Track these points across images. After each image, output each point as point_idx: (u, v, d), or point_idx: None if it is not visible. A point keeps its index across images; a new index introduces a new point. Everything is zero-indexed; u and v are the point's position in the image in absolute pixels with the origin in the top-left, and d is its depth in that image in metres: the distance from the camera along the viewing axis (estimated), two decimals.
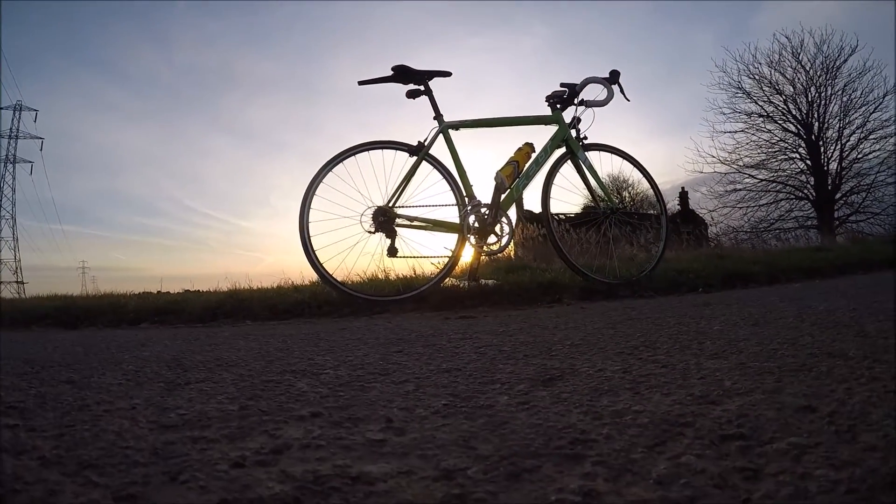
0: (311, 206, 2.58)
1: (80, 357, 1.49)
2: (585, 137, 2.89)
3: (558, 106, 2.88)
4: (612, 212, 2.91)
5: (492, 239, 2.60)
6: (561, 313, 1.94)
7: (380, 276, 3.20)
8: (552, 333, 1.43)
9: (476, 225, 2.60)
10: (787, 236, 14.45)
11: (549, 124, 2.88)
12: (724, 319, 1.54)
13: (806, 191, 16.35)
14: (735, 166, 16.73)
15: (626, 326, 1.49)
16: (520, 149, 2.78)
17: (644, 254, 5.99)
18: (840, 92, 16.08)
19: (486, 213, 2.62)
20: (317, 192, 2.59)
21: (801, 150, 16.58)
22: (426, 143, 2.68)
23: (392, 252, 2.58)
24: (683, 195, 27.13)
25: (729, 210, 16.82)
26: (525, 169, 2.73)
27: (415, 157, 2.66)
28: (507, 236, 2.60)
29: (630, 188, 29.23)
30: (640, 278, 2.78)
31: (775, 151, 16.64)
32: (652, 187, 3.12)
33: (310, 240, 2.58)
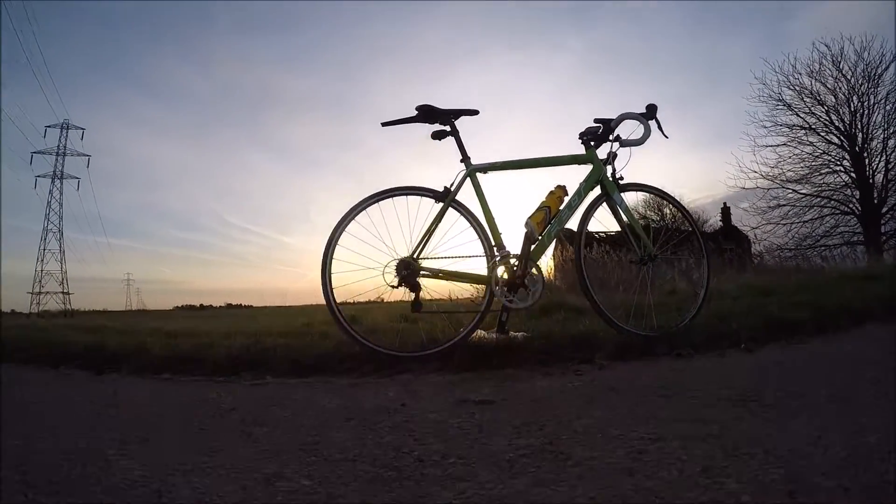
0: (334, 257, 2.44)
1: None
2: (622, 178, 2.62)
3: (592, 143, 2.62)
4: (650, 258, 2.62)
5: (521, 293, 2.38)
6: (585, 394, 1.67)
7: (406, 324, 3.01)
8: (569, 447, 1.20)
9: (504, 277, 2.38)
10: (833, 254, 13.58)
11: (583, 164, 2.62)
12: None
13: (851, 205, 15.35)
14: (777, 181, 15.90)
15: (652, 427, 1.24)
16: (551, 192, 2.54)
17: (685, 284, 5.62)
18: (883, 101, 15.14)
19: (516, 264, 2.39)
20: (339, 242, 2.45)
21: (845, 162, 15.62)
22: (452, 189, 2.48)
23: (416, 307, 2.39)
24: (725, 211, 26.01)
25: (772, 227, 15.95)
26: (558, 214, 2.49)
27: (440, 204, 2.47)
28: (538, 290, 2.36)
29: (670, 206, 28.37)
30: (680, 329, 2.49)
31: (819, 165, 15.72)
32: (693, 230, 2.81)
33: (332, 292, 2.42)
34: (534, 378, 1.99)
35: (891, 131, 15.03)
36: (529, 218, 2.44)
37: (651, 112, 2.62)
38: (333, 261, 2.42)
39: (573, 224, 2.56)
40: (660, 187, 2.76)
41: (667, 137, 2.66)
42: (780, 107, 16.13)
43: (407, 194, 2.48)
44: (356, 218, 2.44)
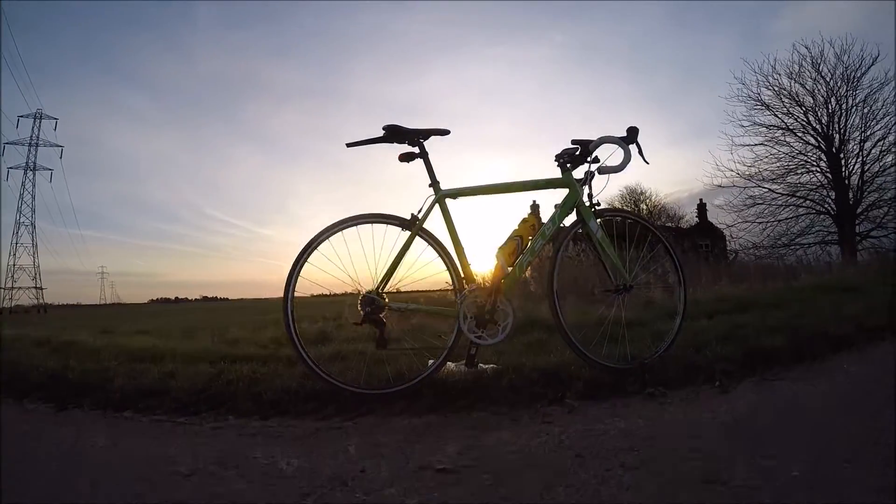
0: (296, 288, 2.31)
1: None
2: (598, 203, 2.48)
3: (568, 166, 2.48)
4: (626, 289, 2.49)
5: (490, 328, 2.26)
6: (551, 463, 1.54)
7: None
8: None
9: (473, 312, 2.27)
10: (807, 253, 13.74)
11: (559, 188, 2.47)
12: None
13: (827, 205, 15.53)
14: (754, 180, 16.01)
15: None
16: (524, 220, 2.40)
17: (661, 292, 5.54)
18: (861, 103, 15.25)
19: (484, 299, 2.27)
20: (301, 274, 2.31)
21: (821, 163, 15.77)
22: (420, 216, 2.35)
23: (381, 344, 2.26)
24: (701, 207, 26.21)
25: (748, 225, 16.08)
26: (530, 244, 2.36)
27: (408, 233, 2.34)
28: (508, 325, 2.25)
29: (648, 200, 28.38)
30: (654, 361, 2.38)
31: (795, 165, 15.86)
32: (671, 258, 2.64)
33: (294, 325, 2.29)
34: (501, 427, 1.87)
35: (867, 134, 15.22)
36: (500, 249, 2.32)
37: (632, 136, 2.46)
38: (296, 292, 2.30)
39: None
40: (633, 213, 2.66)
41: (647, 163, 2.55)
42: (759, 107, 16.23)
43: (372, 222, 2.35)
44: (319, 248, 2.32)
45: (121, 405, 2.53)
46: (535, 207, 2.42)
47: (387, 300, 2.29)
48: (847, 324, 3.08)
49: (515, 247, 2.31)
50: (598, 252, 2.46)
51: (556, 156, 2.50)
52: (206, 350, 3.48)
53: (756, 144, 16.22)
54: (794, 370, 2.37)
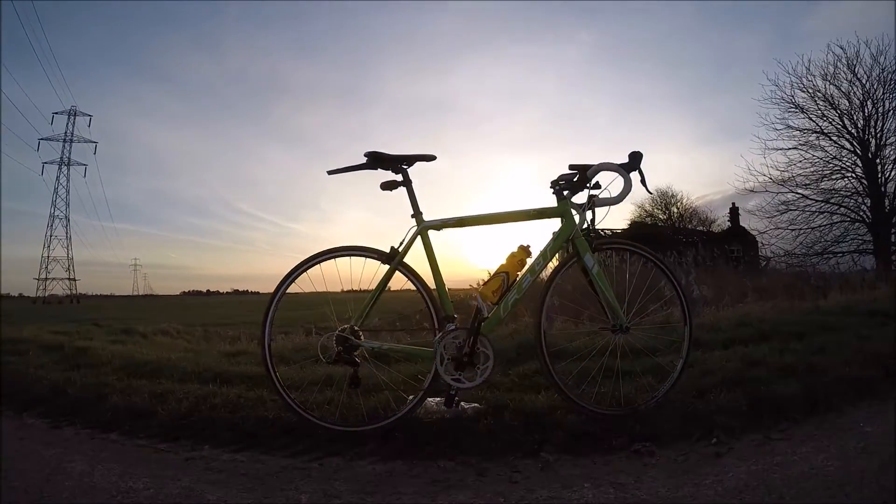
0: (273, 321, 2.22)
1: None
2: (595, 234, 2.26)
3: (565, 193, 2.24)
4: (622, 330, 2.24)
5: (469, 371, 2.09)
6: None
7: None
8: None
9: (451, 353, 2.10)
10: (839, 263, 13.01)
11: (554, 217, 2.26)
12: None
13: (862, 212, 14.65)
14: (787, 186, 15.22)
15: None
16: (512, 254, 2.20)
17: (671, 309, 5.21)
18: None
19: (463, 340, 2.10)
20: (279, 307, 2.22)
21: (857, 168, 14.87)
22: (400, 249, 2.21)
23: (354, 384, 2.14)
24: (733, 211, 25.05)
25: (780, 231, 15.30)
26: (518, 280, 2.16)
27: (388, 266, 2.20)
28: (488, 368, 2.08)
29: (679, 203, 27.35)
30: (649, 407, 2.16)
31: (829, 171, 15.01)
32: (677, 294, 2.37)
33: (271, 359, 2.20)
34: (464, 483, 1.72)
35: None
36: (484, 286, 2.15)
37: (634, 162, 2.21)
38: (274, 325, 2.21)
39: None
40: (636, 244, 2.44)
41: (650, 193, 2.35)
42: (792, 109, 15.38)
43: (351, 255, 2.23)
44: (297, 281, 2.21)
45: (110, 425, 2.53)
46: (525, 248, 2.24)
47: (363, 338, 2.17)
48: (871, 364, 2.73)
49: (500, 284, 2.13)
50: (595, 288, 2.24)
51: (552, 182, 2.28)
52: (206, 366, 3.46)
53: (789, 148, 15.38)
54: (804, 425, 2.09)
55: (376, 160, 2.23)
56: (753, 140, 20.98)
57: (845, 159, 14.99)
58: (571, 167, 2.25)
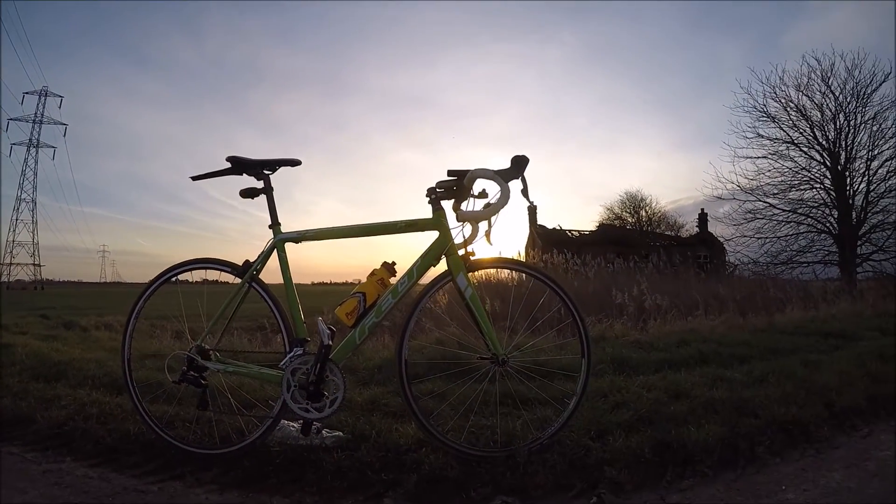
0: (133, 335, 2.03)
1: None
2: (473, 253, 1.94)
3: (442, 203, 1.91)
4: (500, 363, 1.92)
5: (318, 401, 1.82)
6: None
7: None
8: None
9: (298, 380, 1.84)
10: (803, 273, 12.89)
11: (427, 230, 1.92)
12: None
13: (828, 224, 14.51)
14: (755, 195, 15.06)
15: None
16: (372, 273, 1.92)
17: (620, 325, 4.99)
18: (870, 121, 14.07)
19: (309, 367, 1.83)
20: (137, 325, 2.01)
21: (825, 180, 14.72)
22: (255, 263, 1.96)
23: (202, 405, 1.90)
24: (702, 216, 24.99)
25: (747, 239, 15.15)
26: (377, 303, 1.88)
27: (240, 281, 1.96)
28: (338, 399, 1.82)
29: (648, 206, 27.16)
30: (531, 450, 1.83)
31: (798, 181, 14.83)
32: (575, 324, 2.01)
33: (130, 373, 2.04)
34: None
35: (875, 153, 14.06)
36: (338, 308, 1.88)
37: (517, 167, 1.87)
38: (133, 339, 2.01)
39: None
40: (524, 263, 2.19)
41: (531, 203, 2.06)
42: (764, 118, 15.19)
43: (205, 268, 2.00)
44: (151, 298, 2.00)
45: (46, 443, 2.25)
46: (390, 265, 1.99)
47: (212, 357, 1.94)
48: (813, 400, 2.37)
49: (356, 306, 1.86)
50: (470, 314, 1.93)
51: (429, 190, 1.93)
52: (109, 369, 3.21)
53: (759, 157, 15.14)
54: (713, 483, 1.71)
55: (238, 165, 1.98)
56: (724, 147, 20.85)
57: (814, 170, 14.75)
58: (450, 173, 1.88)
